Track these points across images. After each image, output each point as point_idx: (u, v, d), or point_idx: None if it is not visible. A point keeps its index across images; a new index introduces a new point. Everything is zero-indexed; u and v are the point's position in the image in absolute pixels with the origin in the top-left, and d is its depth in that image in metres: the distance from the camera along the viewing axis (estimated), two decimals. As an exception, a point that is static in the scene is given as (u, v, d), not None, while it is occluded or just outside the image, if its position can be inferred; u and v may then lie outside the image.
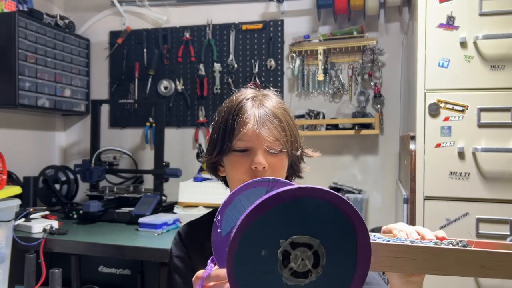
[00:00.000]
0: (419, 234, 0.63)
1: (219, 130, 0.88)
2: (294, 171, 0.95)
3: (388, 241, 0.57)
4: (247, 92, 0.90)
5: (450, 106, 1.47)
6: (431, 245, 0.57)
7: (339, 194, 0.50)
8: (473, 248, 0.56)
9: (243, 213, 0.47)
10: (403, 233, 0.63)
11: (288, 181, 0.63)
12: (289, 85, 2.40)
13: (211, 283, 0.60)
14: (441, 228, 1.47)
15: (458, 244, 0.58)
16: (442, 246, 0.56)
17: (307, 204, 0.48)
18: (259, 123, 0.84)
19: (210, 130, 0.94)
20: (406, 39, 2.14)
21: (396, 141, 2.24)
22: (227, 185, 0.98)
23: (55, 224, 1.84)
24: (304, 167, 0.97)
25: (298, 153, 0.93)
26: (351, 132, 2.15)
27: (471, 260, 0.54)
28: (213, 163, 0.92)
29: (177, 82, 2.53)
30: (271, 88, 0.97)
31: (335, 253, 0.48)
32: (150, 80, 2.55)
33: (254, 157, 0.83)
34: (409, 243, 0.56)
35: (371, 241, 0.51)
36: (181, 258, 0.89)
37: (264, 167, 0.83)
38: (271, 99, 0.90)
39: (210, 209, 1.03)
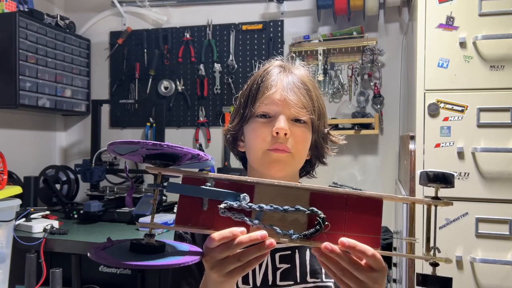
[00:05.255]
0: None
1: (243, 96, 0.84)
2: (318, 153, 0.88)
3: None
4: (275, 61, 0.87)
5: (450, 106, 1.48)
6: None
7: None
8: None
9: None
10: None
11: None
12: (289, 85, 2.40)
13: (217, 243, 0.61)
14: (440, 228, 1.47)
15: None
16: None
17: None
18: (286, 88, 0.79)
19: (234, 101, 0.90)
20: (406, 39, 2.15)
21: (396, 141, 2.25)
22: (244, 163, 0.93)
23: (56, 224, 1.84)
24: (329, 150, 0.90)
25: (325, 130, 0.86)
26: (351, 132, 2.16)
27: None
28: (233, 134, 0.87)
29: (177, 82, 2.53)
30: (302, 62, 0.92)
31: None
32: (150, 80, 2.55)
33: (276, 122, 0.78)
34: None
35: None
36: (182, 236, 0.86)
37: (285, 134, 0.77)
38: (300, 68, 0.86)
39: None
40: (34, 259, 1.70)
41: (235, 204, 0.62)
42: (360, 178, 2.29)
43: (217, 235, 0.61)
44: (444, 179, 0.62)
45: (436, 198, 0.64)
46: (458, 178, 1.46)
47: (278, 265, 0.84)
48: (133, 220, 1.98)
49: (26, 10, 2.20)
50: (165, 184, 0.64)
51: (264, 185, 0.64)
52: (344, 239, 0.60)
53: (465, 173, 1.46)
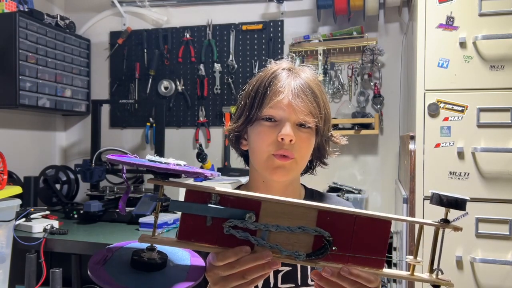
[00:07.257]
0: None
1: (249, 97, 0.83)
2: (320, 154, 0.88)
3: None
4: (283, 63, 0.87)
5: (450, 106, 1.48)
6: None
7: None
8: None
9: None
10: None
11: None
12: (289, 85, 2.40)
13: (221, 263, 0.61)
14: (440, 228, 1.47)
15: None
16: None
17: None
18: (294, 94, 0.79)
19: (238, 98, 0.89)
20: (406, 39, 2.15)
21: (396, 141, 2.25)
22: (245, 161, 0.93)
23: (56, 224, 1.84)
24: (332, 152, 0.90)
25: (330, 133, 0.87)
26: (351, 132, 2.16)
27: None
28: (236, 133, 0.86)
29: (177, 82, 2.53)
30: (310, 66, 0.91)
31: None
32: (150, 80, 2.55)
33: (282, 128, 0.78)
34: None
35: None
36: None
37: (291, 140, 0.77)
38: (307, 71, 0.86)
39: None
40: (34, 259, 1.70)
41: (239, 223, 0.61)
42: (360, 178, 2.29)
43: (221, 257, 0.60)
44: (457, 205, 0.60)
45: (445, 221, 0.62)
46: (458, 178, 1.46)
47: (280, 268, 0.84)
48: (133, 220, 1.98)
49: (26, 10, 2.20)
50: (164, 195, 0.64)
51: (270, 202, 0.62)
52: (346, 269, 0.60)
53: (465, 173, 1.46)
